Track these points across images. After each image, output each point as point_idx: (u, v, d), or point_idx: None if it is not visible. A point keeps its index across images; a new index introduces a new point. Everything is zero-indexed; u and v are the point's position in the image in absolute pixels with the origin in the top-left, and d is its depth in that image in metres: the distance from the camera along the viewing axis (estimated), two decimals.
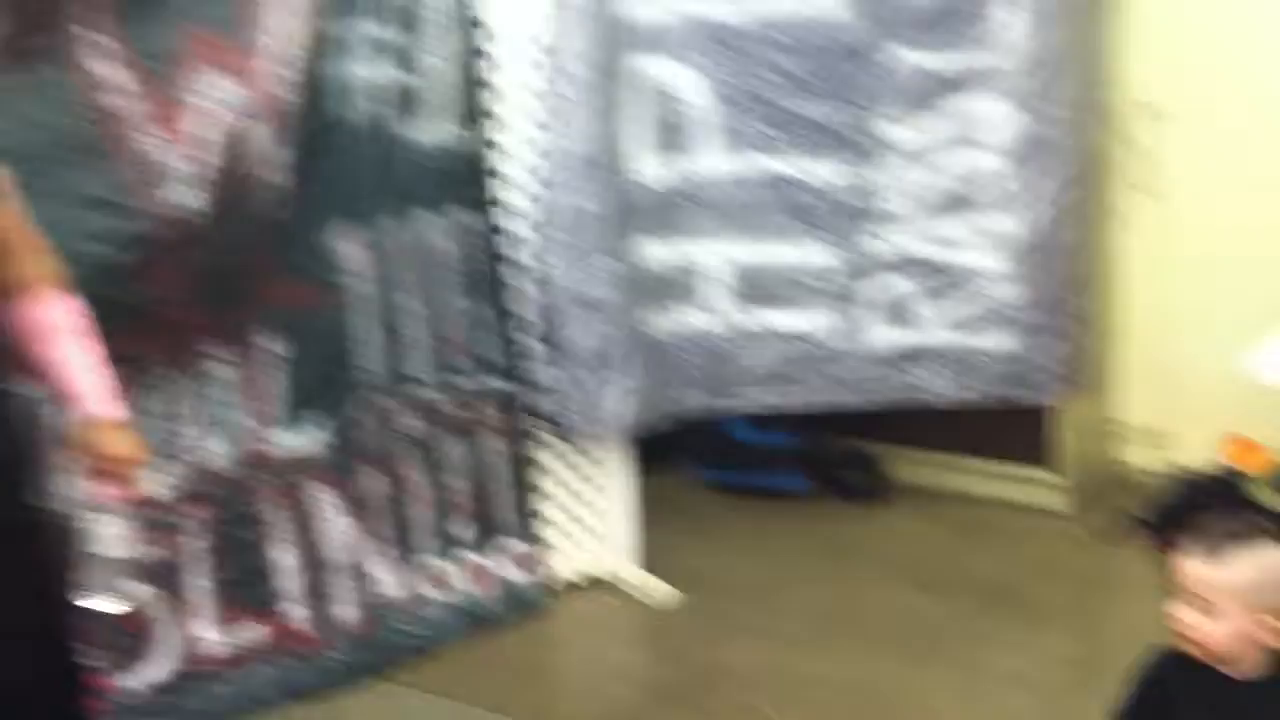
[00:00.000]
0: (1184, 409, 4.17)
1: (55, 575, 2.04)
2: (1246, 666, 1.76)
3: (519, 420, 3.53)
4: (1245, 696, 1.78)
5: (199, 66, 2.84)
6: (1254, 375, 3.42)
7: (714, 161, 3.73)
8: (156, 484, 2.72)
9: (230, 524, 3.02)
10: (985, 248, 3.97)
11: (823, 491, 4.52)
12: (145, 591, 2.80)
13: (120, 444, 2.10)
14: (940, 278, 3.96)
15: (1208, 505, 3.09)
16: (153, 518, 2.80)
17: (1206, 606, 1.74)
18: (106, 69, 2.72)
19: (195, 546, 2.96)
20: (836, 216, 3.86)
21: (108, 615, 2.09)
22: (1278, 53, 4.02)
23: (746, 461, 4.55)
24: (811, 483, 4.55)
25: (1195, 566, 1.75)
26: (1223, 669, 1.76)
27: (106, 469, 2.09)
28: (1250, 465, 3.73)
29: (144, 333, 2.60)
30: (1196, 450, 3.96)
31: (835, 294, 3.89)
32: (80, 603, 2.04)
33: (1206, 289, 4.14)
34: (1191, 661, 1.78)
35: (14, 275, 2.00)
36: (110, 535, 2.07)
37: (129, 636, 2.79)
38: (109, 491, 2.11)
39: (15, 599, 1.95)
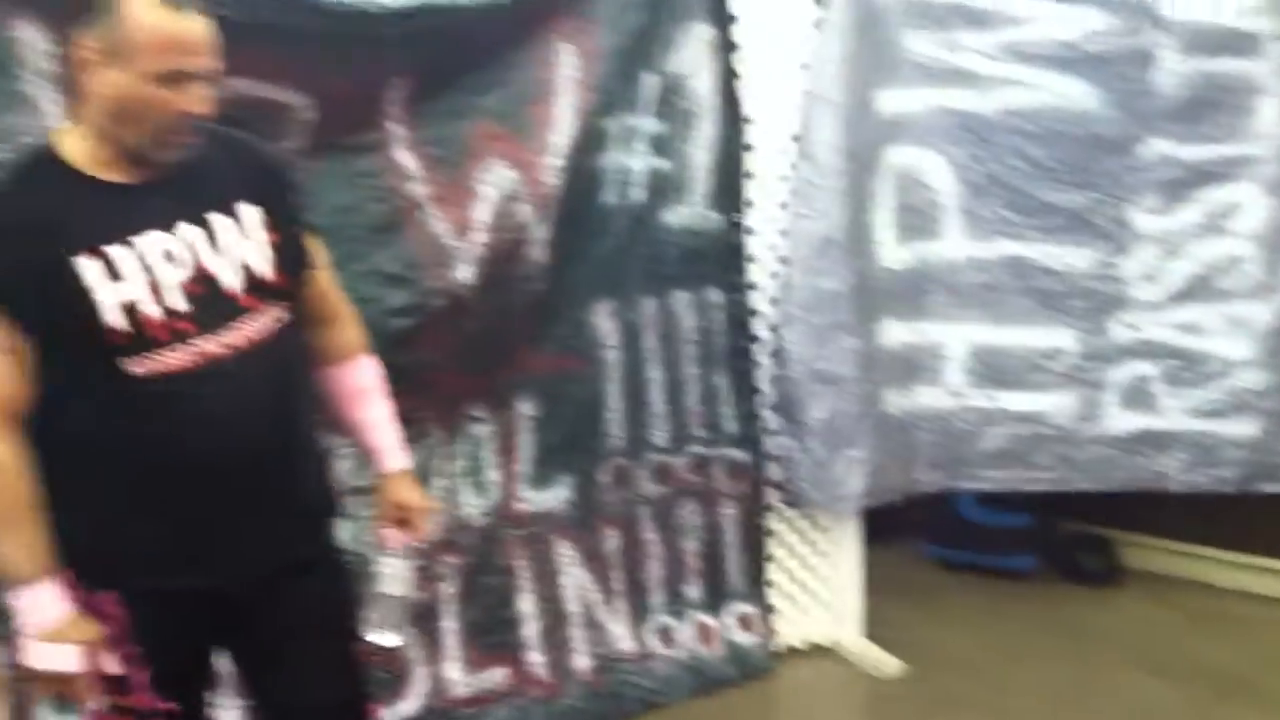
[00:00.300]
0: None
1: (350, 610, 2.26)
2: None
3: (752, 488, 3.67)
4: None
5: (484, 157, 3.14)
6: None
7: (957, 245, 3.82)
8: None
9: (479, 572, 3.27)
10: (1231, 334, 3.98)
11: (1053, 573, 4.54)
12: (407, 632, 3.04)
13: (412, 493, 2.33)
14: (1183, 363, 3.98)
15: None
16: (415, 564, 3.04)
17: None
18: (406, 159, 3.05)
19: (447, 592, 3.23)
20: (1079, 301, 3.91)
21: (385, 650, 2.32)
22: None
23: (976, 539, 4.61)
24: (1041, 563, 4.56)
25: None
26: None
27: (399, 516, 2.31)
28: None
29: (416, 394, 2.82)
30: None
31: (1074, 377, 3.93)
32: (367, 636, 2.27)
33: None
34: None
35: (333, 342, 2.26)
36: (395, 576, 2.30)
37: (389, 673, 3.04)
38: (400, 536, 2.32)
39: (320, 629, 2.19)
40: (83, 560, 1.97)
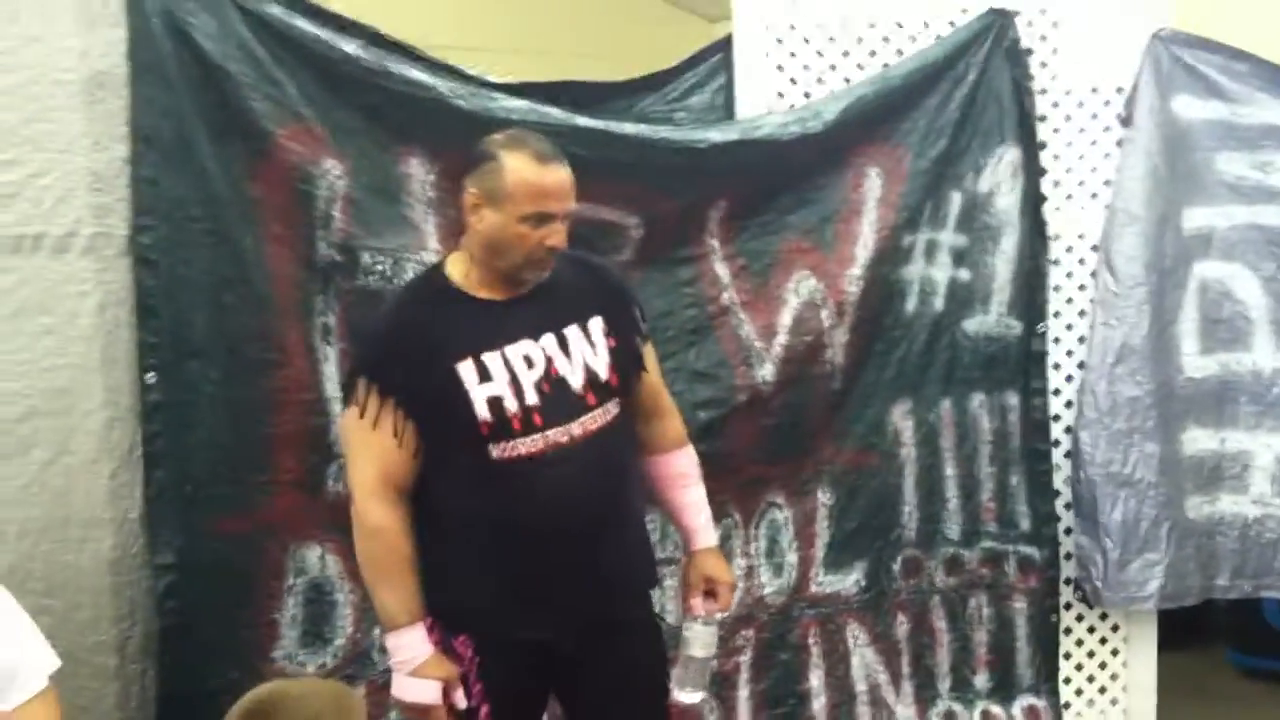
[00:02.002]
0: None
1: (662, 668, 2.71)
2: None
3: (1044, 584, 3.89)
4: None
5: (791, 268, 3.57)
6: None
7: (1265, 357, 3.93)
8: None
9: (773, 647, 3.65)
10: None
11: None
12: (707, 693, 3.40)
13: (719, 568, 2.76)
14: None
15: None
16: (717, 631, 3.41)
17: None
18: (721, 269, 3.53)
19: (743, 663, 3.61)
20: None
21: (687, 706, 2.71)
22: None
23: None
24: None
25: None
26: None
27: (707, 587, 2.74)
28: None
29: (719, 480, 3.22)
30: None
31: None
32: (673, 693, 2.70)
33: None
34: None
35: (658, 434, 2.72)
36: (700, 640, 2.68)
37: None
38: (707, 605, 2.74)
39: (638, 684, 2.65)
40: (444, 609, 2.45)
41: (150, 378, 2.91)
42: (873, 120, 3.58)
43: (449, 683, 2.43)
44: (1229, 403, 3.92)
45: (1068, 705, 3.93)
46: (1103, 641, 4.02)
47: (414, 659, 2.42)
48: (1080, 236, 3.85)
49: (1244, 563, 3.96)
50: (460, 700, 2.44)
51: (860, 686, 3.71)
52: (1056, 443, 3.87)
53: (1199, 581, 3.92)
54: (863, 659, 3.71)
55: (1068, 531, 3.89)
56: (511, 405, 2.40)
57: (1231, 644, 4.75)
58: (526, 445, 2.41)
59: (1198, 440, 3.92)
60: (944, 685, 3.80)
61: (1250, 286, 3.89)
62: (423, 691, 2.42)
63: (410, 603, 2.43)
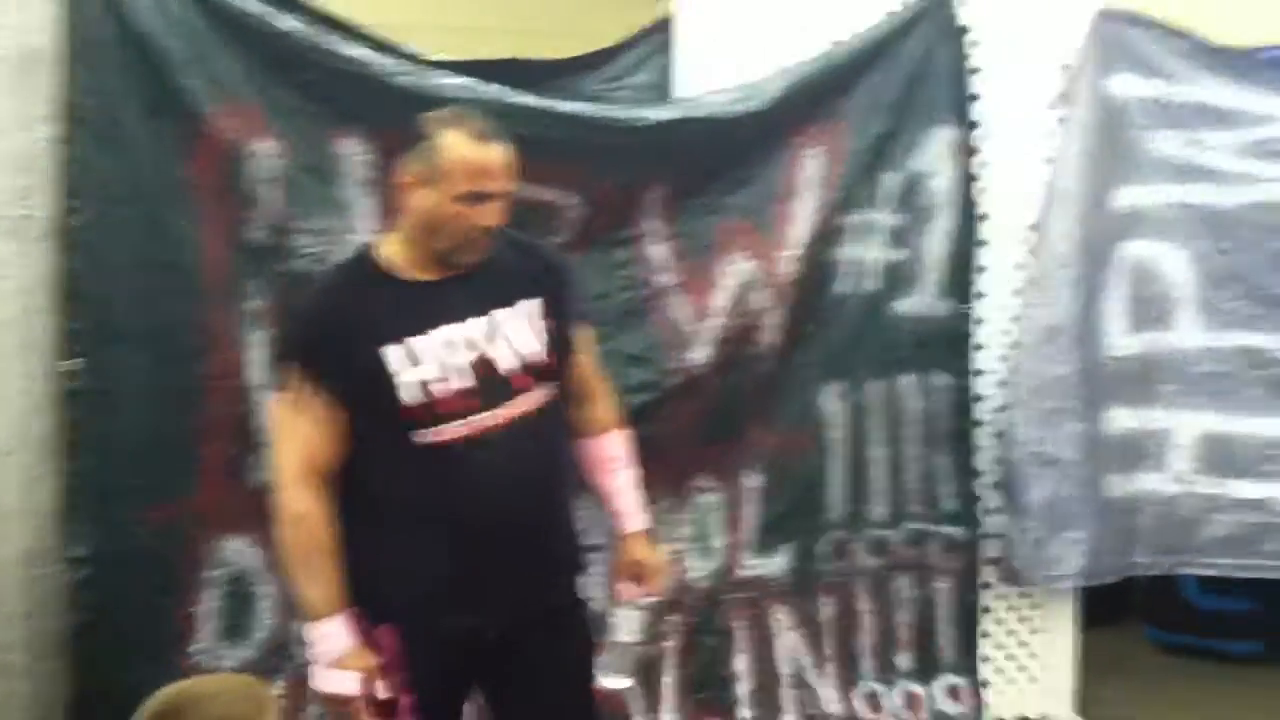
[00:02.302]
0: None
1: (590, 654, 2.67)
2: None
3: (968, 564, 3.93)
4: None
5: (729, 250, 3.55)
6: None
7: (1190, 336, 4.00)
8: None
9: (699, 631, 3.65)
10: None
11: (1277, 660, 4.64)
12: (633, 678, 3.41)
13: (648, 552, 2.74)
14: None
15: None
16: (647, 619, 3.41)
17: None
18: (658, 251, 3.50)
19: (669, 648, 3.61)
20: None
21: (614, 691, 2.70)
22: None
23: (1199, 624, 4.74)
24: (1266, 650, 4.66)
25: None
26: None
27: (636, 572, 2.72)
28: None
29: (649, 464, 3.09)
30: None
31: None
32: (601, 679, 2.67)
33: None
34: None
35: (590, 417, 2.70)
36: (628, 626, 2.68)
37: (611, 715, 3.41)
38: (635, 590, 2.72)
39: (565, 671, 2.61)
40: (367, 599, 2.42)
41: (75, 364, 2.84)
42: (814, 100, 3.57)
43: (370, 674, 2.39)
44: (1152, 381, 3.99)
45: (987, 683, 3.98)
46: (1023, 620, 4.08)
47: (335, 650, 2.38)
48: (1016, 216, 3.86)
49: (1163, 540, 4.04)
50: (382, 691, 2.41)
51: (785, 669, 3.73)
52: (980, 423, 3.89)
53: (1119, 559, 4.00)
54: (788, 642, 3.73)
55: (992, 511, 3.93)
56: (440, 389, 2.36)
57: (1150, 621, 4.86)
58: (455, 429, 2.37)
59: (1120, 419, 3.98)
60: (867, 666, 3.84)
61: (1178, 265, 3.95)
62: (343, 683, 2.38)
63: (332, 592, 2.38)
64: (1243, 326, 3.98)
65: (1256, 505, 4.02)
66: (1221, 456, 4.02)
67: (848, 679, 3.81)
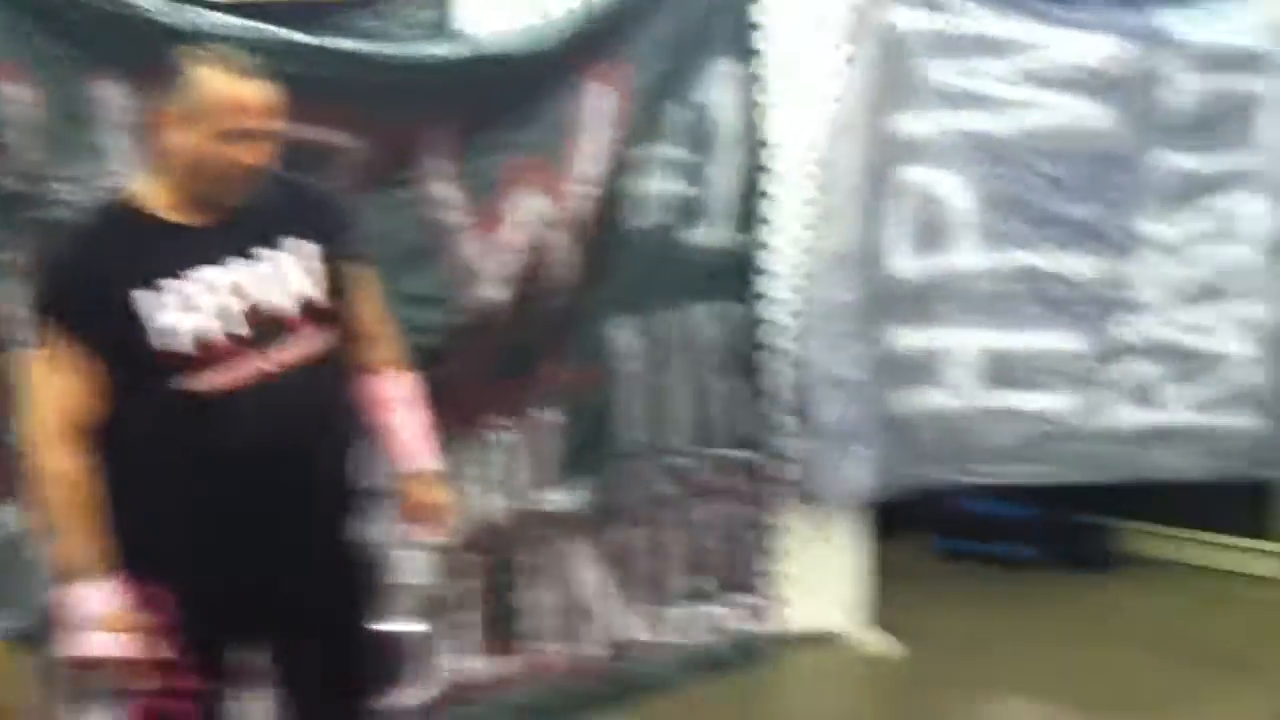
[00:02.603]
0: None
1: (372, 600, 2.59)
2: None
3: (765, 487, 4.02)
4: None
5: (517, 186, 3.50)
6: None
7: (970, 258, 4.14)
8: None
9: (501, 569, 3.64)
10: (1235, 334, 4.35)
11: (1053, 561, 4.90)
12: (427, 621, 3.39)
13: (432, 492, 2.67)
14: (1188, 362, 4.34)
15: None
16: (438, 559, 3.39)
17: None
18: (445, 190, 3.41)
19: (469, 586, 3.57)
20: (1088, 306, 4.25)
21: (405, 635, 2.64)
22: None
23: (981, 531, 4.99)
24: (1044, 552, 4.92)
25: None
26: None
27: (423, 513, 2.65)
28: None
29: (444, 404, 3.02)
30: None
31: (1081, 377, 4.27)
32: (389, 624, 2.62)
33: None
34: None
35: (370, 357, 2.61)
36: (414, 568, 2.61)
37: (409, 658, 3.36)
38: (422, 531, 2.66)
39: (344, 617, 2.53)
40: (136, 556, 2.31)
41: None
42: (601, 37, 3.54)
43: (136, 635, 2.28)
44: (934, 302, 4.11)
45: (788, 601, 4.08)
46: (818, 537, 4.14)
47: (98, 612, 2.26)
48: (805, 147, 3.89)
49: (948, 453, 4.20)
50: (150, 651, 2.29)
51: (589, 601, 3.75)
52: (775, 350, 3.96)
53: (907, 474, 4.14)
54: (591, 574, 3.75)
55: (788, 434, 4.00)
56: (200, 334, 2.26)
57: (937, 531, 5.06)
58: (221, 376, 2.27)
59: (905, 339, 4.11)
60: (670, 593, 3.89)
61: (956, 190, 4.06)
62: (107, 645, 2.27)
63: (94, 552, 2.27)
64: (1019, 247, 4.13)
65: (1035, 416, 4.20)
66: (1001, 371, 4.18)
67: (652, 606, 3.86)
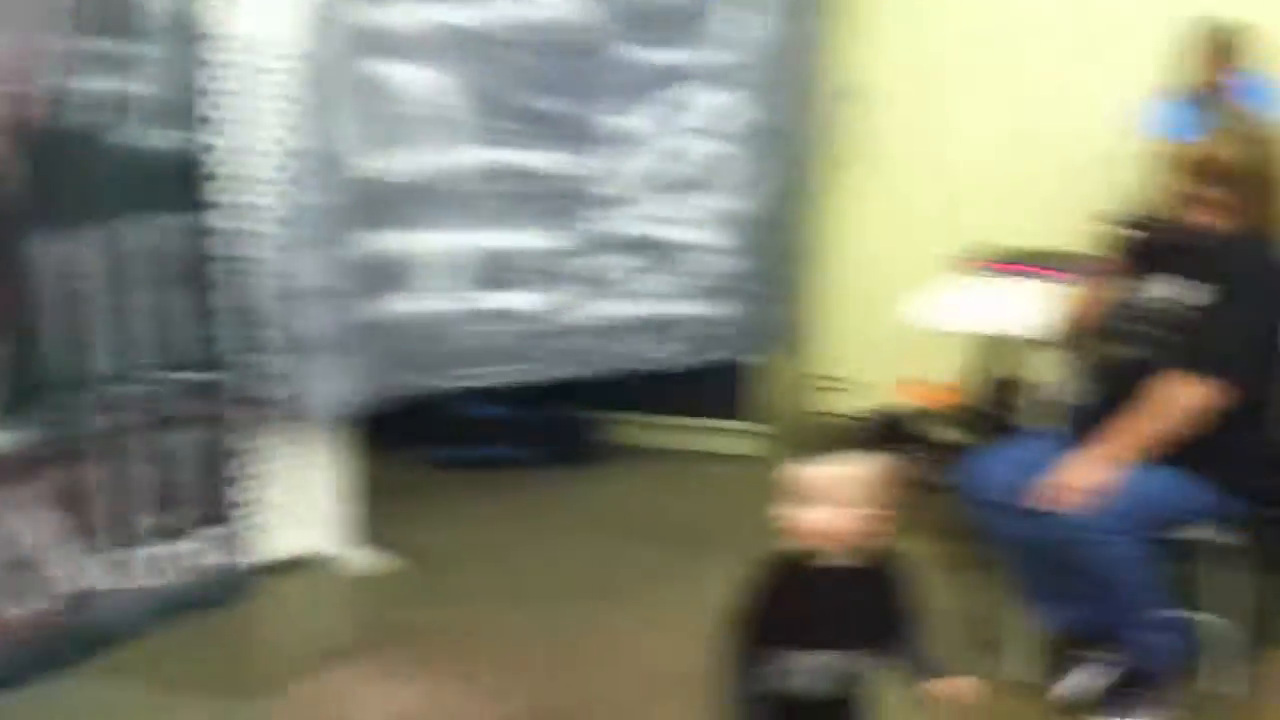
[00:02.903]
0: (877, 360, 4.75)
1: None
2: (849, 556, 2.12)
3: (226, 410, 3.71)
4: (838, 581, 2.13)
5: None
6: (919, 322, 3.86)
7: (438, 156, 3.99)
8: None
9: None
10: (706, 225, 4.51)
11: (545, 459, 4.94)
12: None
13: None
14: (659, 254, 4.45)
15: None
16: None
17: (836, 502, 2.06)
18: None
19: None
20: (557, 202, 4.24)
21: None
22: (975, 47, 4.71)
23: (469, 437, 4.94)
24: (535, 452, 4.94)
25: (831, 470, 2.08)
26: (823, 562, 2.12)
27: None
28: (925, 401, 4.43)
29: None
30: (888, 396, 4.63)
31: (555, 274, 4.28)
32: None
33: (901, 251, 4.72)
34: (792, 559, 2.15)
35: None
36: None
37: None
38: None
39: None
40: None
41: None
42: None
43: None
44: (407, 203, 3.95)
45: (271, 528, 3.83)
46: (295, 457, 3.93)
47: None
48: (284, 42, 3.58)
49: (430, 360, 4.09)
50: None
51: (34, 552, 3.29)
52: (242, 261, 3.63)
53: (389, 383, 3.97)
54: (33, 522, 3.28)
55: (253, 350, 3.70)
56: None
57: (431, 440, 4.92)
58: None
59: (369, 243, 3.90)
60: (137, 534, 3.51)
61: (430, 86, 3.89)
62: None
63: None
64: (487, 144, 4.03)
65: (502, 315, 4.18)
66: (477, 272, 4.11)
67: (116, 550, 3.47)
